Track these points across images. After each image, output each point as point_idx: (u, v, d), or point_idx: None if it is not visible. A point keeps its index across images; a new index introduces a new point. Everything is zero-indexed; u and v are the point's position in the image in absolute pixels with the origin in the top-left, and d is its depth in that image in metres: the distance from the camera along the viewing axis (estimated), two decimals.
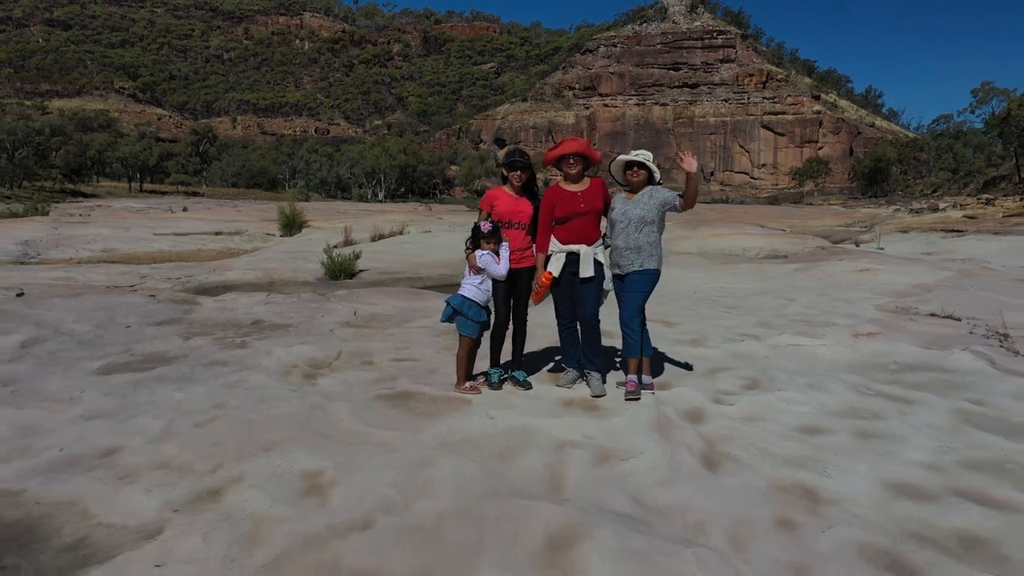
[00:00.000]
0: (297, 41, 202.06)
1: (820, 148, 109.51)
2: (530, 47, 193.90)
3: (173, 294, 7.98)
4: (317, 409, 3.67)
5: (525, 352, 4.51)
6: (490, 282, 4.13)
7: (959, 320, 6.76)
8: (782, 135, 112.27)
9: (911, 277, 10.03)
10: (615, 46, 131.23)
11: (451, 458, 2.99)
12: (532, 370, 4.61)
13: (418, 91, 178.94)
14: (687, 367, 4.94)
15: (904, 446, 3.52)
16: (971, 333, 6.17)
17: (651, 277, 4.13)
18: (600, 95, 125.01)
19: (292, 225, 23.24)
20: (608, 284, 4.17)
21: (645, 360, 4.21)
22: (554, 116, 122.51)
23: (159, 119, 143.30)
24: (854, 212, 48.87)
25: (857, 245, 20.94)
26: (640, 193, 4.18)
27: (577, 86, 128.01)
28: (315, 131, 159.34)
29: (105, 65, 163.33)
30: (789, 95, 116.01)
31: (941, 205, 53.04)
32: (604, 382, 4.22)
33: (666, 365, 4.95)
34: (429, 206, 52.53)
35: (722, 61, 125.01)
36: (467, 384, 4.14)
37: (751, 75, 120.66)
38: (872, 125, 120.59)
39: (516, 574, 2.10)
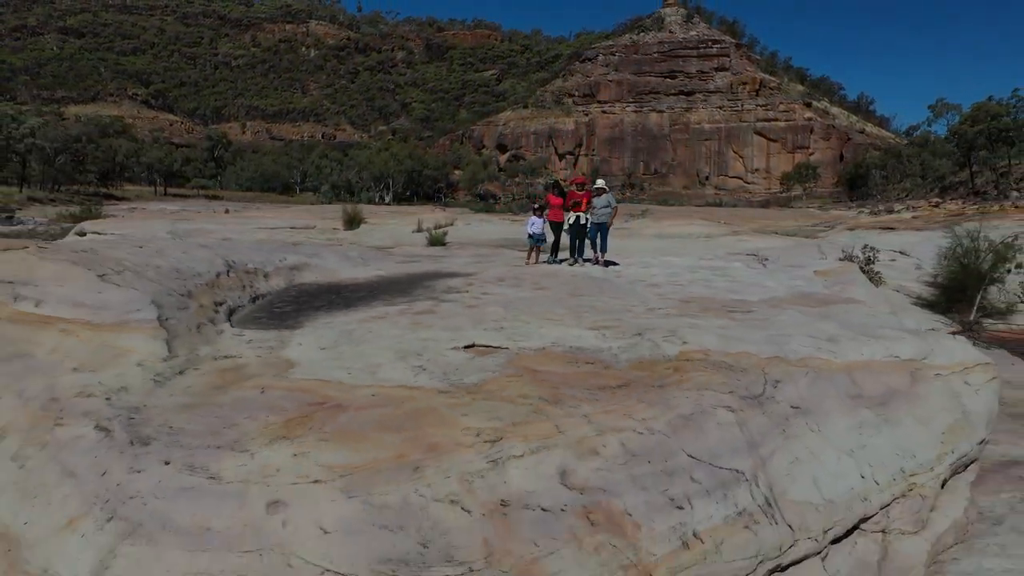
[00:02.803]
0: (303, 48, 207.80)
1: (811, 154, 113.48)
2: (531, 54, 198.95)
3: (364, 247, 15.44)
4: (494, 264, 11.23)
5: (558, 256, 12.08)
6: (541, 225, 11.66)
7: (755, 255, 14.22)
8: (775, 141, 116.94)
9: (768, 244, 17.50)
10: (614, 54, 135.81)
11: (539, 270, 10.58)
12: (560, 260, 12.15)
13: (421, 97, 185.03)
14: (617, 264, 12.41)
15: (682, 279, 10.98)
16: (755, 260, 13.61)
17: (606, 225, 11.63)
18: (599, 102, 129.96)
19: (353, 221, 29.90)
20: (588, 226, 11.64)
21: (602, 256, 11.74)
22: (554, 122, 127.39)
23: (171, 125, 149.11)
24: (826, 215, 55.86)
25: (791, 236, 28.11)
26: (601, 195, 11.67)
27: (577, 93, 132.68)
28: (322, 136, 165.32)
29: (118, 72, 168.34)
30: (782, 102, 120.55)
31: (897, 207, 59.47)
32: (583, 262, 11.72)
33: (610, 264, 12.41)
34: (443, 208, 59.34)
35: (717, 69, 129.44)
36: (531, 261, 11.72)
37: (745, 83, 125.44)
38: (862, 131, 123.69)
39: (563, 283, 9.62)
